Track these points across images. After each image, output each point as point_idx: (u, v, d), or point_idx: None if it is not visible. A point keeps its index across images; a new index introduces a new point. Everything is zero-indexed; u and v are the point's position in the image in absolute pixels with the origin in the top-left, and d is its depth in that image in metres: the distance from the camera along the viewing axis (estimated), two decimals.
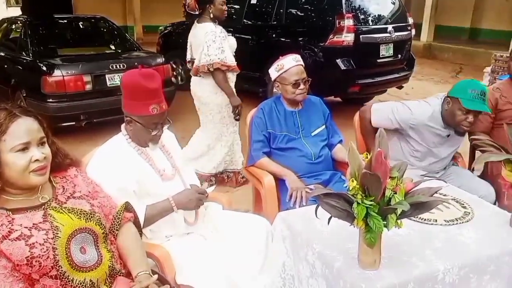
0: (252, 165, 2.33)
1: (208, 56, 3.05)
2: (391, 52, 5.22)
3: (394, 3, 5.59)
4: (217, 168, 3.44)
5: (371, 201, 1.25)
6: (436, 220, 1.64)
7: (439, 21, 11.92)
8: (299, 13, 5.47)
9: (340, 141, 2.44)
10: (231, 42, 3.32)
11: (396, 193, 1.27)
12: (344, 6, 4.83)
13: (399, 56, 5.38)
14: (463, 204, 1.77)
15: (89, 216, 1.33)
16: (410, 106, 2.30)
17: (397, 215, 1.26)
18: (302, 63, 2.33)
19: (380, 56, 5.13)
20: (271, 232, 1.84)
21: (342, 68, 4.83)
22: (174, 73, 7.17)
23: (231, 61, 3.18)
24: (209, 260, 1.72)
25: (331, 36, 4.84)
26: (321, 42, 4.97)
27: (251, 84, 5.32)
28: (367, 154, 1.33)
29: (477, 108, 2.06)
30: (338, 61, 4.84)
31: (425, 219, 1.64)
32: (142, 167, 1.74)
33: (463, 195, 1.89)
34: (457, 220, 1.64)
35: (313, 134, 2.37)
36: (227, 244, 1.82)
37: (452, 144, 2.35)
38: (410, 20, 5.58)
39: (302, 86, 2.28)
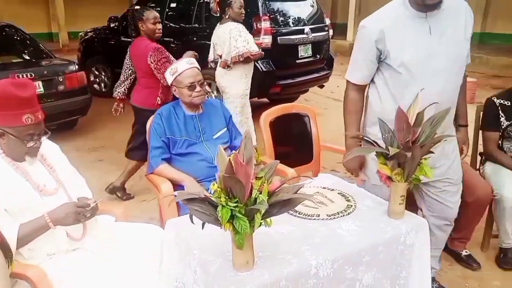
0: (151, 173, 2.27)
1: (237, 48, 3.65)
2: (309, 52, 5.37)
3: (312, 6, 5.76)
4: None
5: (235, 203, 1.25)
6: (318, 215, 1.68)
7: None
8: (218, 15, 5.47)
9: None
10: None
11: (261, 193, 1.28)
12: (261, 8, 4.90)
13: (318, 56, 5.55)
14: (347, 198, 1.83)
15: None
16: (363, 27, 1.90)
17: (262, 214, 1.27)
18: (197, 66, 2.31)
19: (299, 57, 5.26)
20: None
21: (262, 70, 4.88)
22: (97, 80, 6.91)
23: (256, 50, 3.79)
24: (96, 277, 1.64)
25: None
26: None
27: None
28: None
29: None
30: (258, 63, 4.88)
31: (308, 215, 1.68)
32: (17, 184, 1.63)
33: (350, 187, 1.95)
34: (338, 214, 1.69)
35: (214, 137, 2.35)
36: (118, 258, 1.75)
37: (441, 33, 1.79)
38: (327, 21, 5.78)
39: (198, 89, 2.26)
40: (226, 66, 3.79)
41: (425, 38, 1.79)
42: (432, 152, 1.62)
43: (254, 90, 5.23)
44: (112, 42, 6.50)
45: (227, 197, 1.25)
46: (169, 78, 2.30)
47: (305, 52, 5.30)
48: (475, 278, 2.48)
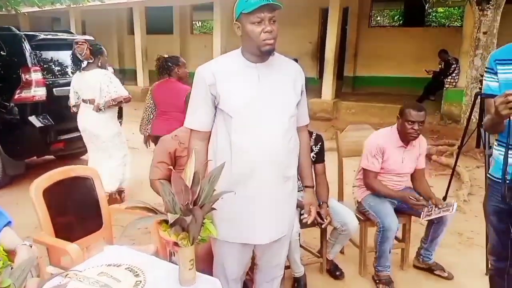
0: None
1: (109, 93, 3.96)
2: None
3: None
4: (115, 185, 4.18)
5: None
6: None
7: (152, 67, 12.67)
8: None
9: None
10: None
11: None
12: (29, 59, 4.37)
13: None
14: (136, 272, 1.66)
15: None
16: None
17: None
18: None
19: None
20: None
21: (37, 126, 4.33)
22: None
23: (126, 94, 4.14)
24: None
25: (18, 92, 4.29)
26: (8, 98, 4.33)
27: None
28: None
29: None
30: (32, 118, 4.32)
31: None
32: None
33: (140, 258, 1.79)
34: None
35: None
36: None
37: None
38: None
39: None
40: (98, 109, 3.99)
41: (253, 85, 1.81)
42: (214, 209, 1.62)
43: (30, 149, 4.61)
44: None
45: None
46: None
47: None
48: None
